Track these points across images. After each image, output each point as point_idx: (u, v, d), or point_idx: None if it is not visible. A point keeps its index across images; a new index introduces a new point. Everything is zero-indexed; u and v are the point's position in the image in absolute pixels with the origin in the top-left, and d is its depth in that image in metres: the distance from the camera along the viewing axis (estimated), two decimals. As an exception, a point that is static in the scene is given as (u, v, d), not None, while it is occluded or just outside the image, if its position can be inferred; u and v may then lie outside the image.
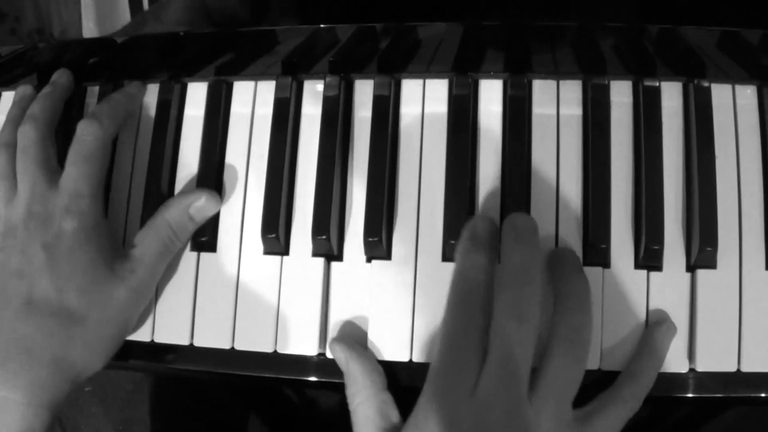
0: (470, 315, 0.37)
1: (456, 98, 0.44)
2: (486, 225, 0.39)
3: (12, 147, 0.44)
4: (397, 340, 0.42)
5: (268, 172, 0.44)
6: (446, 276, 0.42)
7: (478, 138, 0.44)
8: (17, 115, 0.45)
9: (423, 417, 0.35)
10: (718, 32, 0.42)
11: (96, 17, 0.46)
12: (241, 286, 0.44)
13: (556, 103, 0.44)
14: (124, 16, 0.46)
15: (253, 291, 0.44)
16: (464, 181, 0.42)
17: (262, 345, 0.43)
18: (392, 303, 0.42)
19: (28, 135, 0.43)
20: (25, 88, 0.48)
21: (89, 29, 0.46)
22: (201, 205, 0.43)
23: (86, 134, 0.42)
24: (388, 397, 0.40)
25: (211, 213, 0.43)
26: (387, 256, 0.43)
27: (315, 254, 0.43)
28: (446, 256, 0.42)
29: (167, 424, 0.65)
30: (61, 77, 0.47)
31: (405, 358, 0.42)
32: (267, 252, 0.44)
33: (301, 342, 0.43)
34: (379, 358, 0.42)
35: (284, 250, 0.44)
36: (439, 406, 0.35)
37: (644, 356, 0.39)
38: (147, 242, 0.42)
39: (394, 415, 0.40)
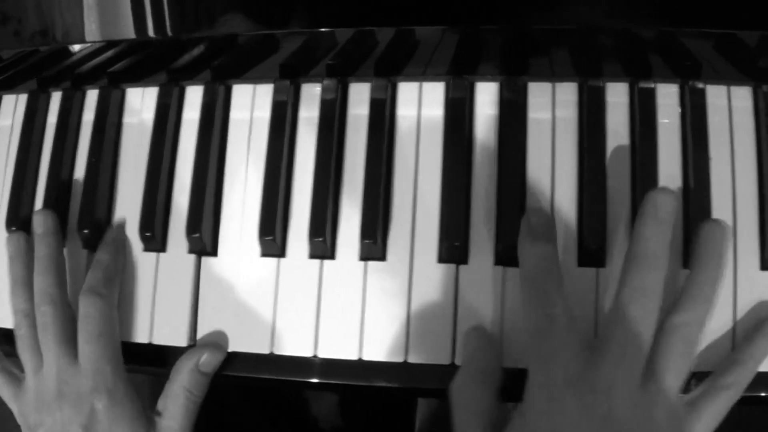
0: (553, 302, 0.37)
1: (452, 101, 0.44)
2: (540, 219, 0.40)
3: (31, 317, 0.45)
4: (393, 340, 0.42)
5: (265, 175, 0.44)
6: (441, 277, 0.42)
7: (473, 140, 0.44)
8: (23, 274, 0.46)
9: (531, 415, 0.36)
10: (714, 34, 0.42)
11: (99, 20, 0.47)
12: (239, 288, 0.44)
13: (551, 106, 0.44)
14: (127, 18, 0.46)
15: (250, 293, 0.44)
16: (460, 183, 0.42)
17: (259, 346, 0.43)
18: (387, 304, 0.42)
19: (45, 313, 0.44)
20: (18, 239, 0.47)
21: (92, 32, 0.47)
22: (206, 360, 0.43)
23: (90, 311, 0.43)
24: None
25: (219, 361, 0.44)
26: (382, 257, 0.43)
27: (312, 256, 0.44)
28: (441, 258, 0.42)
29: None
30: (46, 224, 0.47)
31: (400, 359, 0.42)
32: (264, 254, 0.44)
33: (298, 343, 0.43)
34: (375, 359, 0.42)
35: (281, 252, 0.44)
36: (546, 399, 0.36)
37: (757, 343, 0.39)
38: (171, 411, 0.43)
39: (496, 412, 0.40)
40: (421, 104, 0.45)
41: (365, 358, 0.42)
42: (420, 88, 0.45)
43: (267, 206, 0.44)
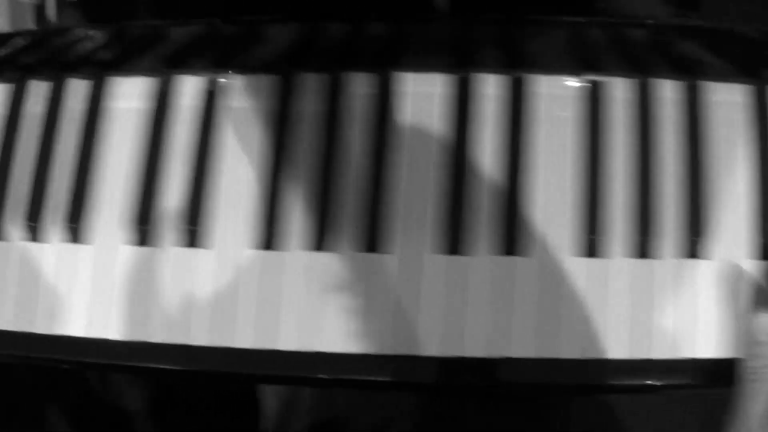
0: None
1: (155, 94, 0.47)
2: None
3: None
4: (104, 319, 0.46)
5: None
6: (130, 259, 0.46)
7: (173, 130, 0.47)
8: None
9: None
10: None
11: (10, 11, 0.52)
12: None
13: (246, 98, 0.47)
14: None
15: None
16: (151, 169, 0.46)
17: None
18: (95, 286, 0.46)
19: None
20: None
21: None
22: None
23: None
24: None
25: None
26: (81, 241, 0.47)
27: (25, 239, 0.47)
28: (131, 241, 0.46)
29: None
30: None
31: (112, 336, 0.45)
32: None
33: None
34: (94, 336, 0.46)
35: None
36: None
37: None
38: None
39: None
40: (131, 98, 0.48)
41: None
42: (132, 83, 0.48)
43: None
